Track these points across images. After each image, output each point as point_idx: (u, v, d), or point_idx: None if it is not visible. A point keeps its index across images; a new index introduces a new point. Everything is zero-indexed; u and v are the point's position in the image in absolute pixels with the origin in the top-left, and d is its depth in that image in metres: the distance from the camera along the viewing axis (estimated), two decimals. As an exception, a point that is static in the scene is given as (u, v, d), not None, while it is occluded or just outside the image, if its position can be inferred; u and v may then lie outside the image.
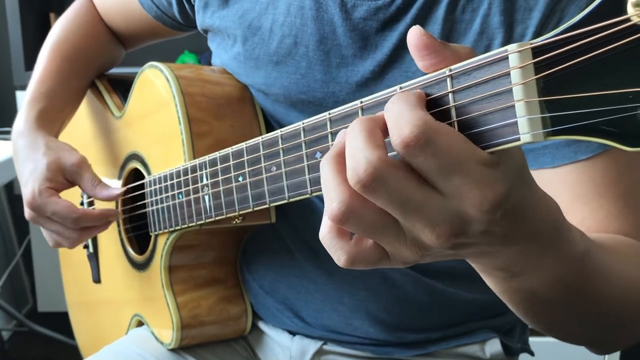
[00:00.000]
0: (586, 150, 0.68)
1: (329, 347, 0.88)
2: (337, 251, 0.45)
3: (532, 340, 0.96)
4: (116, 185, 1.01)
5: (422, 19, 0.72)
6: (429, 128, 0.39)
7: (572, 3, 0.67)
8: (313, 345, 0.88)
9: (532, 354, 0.94)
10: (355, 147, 0.42)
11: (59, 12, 2.24)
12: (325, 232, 0.46)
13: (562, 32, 0.36)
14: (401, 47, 0.73)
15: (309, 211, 0.83)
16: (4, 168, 1.53)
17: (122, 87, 1.07)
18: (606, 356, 1.61)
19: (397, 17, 0.73)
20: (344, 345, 0.87)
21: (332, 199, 0.43)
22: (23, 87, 2.03)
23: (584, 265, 0.54)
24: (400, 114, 0.41)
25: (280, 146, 0.60)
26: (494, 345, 0.86)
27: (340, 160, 0.43)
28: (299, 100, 0.79)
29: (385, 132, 0.42)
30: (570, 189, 0.69)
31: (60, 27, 1.06)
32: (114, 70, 1.13)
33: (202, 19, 0.88)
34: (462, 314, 0.85)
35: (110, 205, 1.00)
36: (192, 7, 0.90)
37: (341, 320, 0.85)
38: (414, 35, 0.43)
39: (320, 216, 0.81)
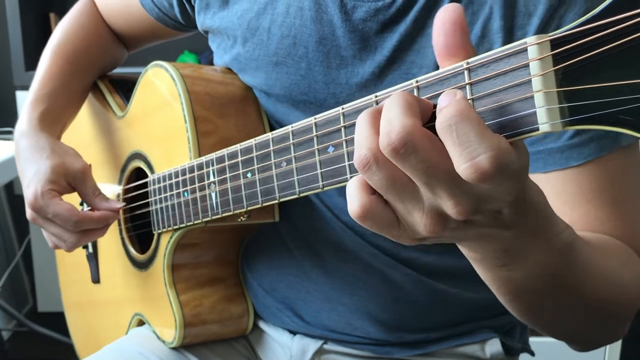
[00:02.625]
0: (577, 158, 0.69)
1: (329, 346, 0.88)
2: (354, 200, 0.47)
3: (532, 340, 0.96)
4: (116, 185, 1.02)
5: (422, 21, 0.72)
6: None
7: (571, 10, 0.68)
8: (313, 345, 0.88)
9: (532, 354, 0.94)
10: (392, 113, 0.43)
11: (59, 12, 2.26)
12: (353, 181, 0.47)
13: (580, 24, 0.37)
14: (401, 49, 0.73)
15: (309, 211, 0.84)
16: (4, 168, 1.53)
17: (124, 87, 1.08)
18: (606, 356, 1.63)
19: (397, 18, 0.73)
20: (344, 345, 0.87)
21: (361, 147, 0.44)
22: (23, 87, 2.04)
23: (568, 255, 0.56)
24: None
25: (291, 141, 0.60)
26: (494, 345, 0.86)
27: (378, 116, 0.45)
28: (301, 100, 0.79)
29: (423, 110, 0.44)
30: (559, 195, 0.70)
31: (62, 29, 1.06)
32: (115, 71, 1.13)
33: (202, 20, 0.88)
34: (462, 314, 0.86)
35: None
36: (192, 8, 0.90)
37: (341, 320, 0.86)
38: (452, 11, 0.43)
39: (320, 216, 0.82)
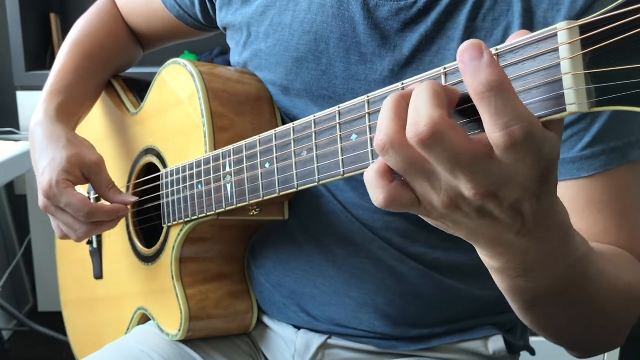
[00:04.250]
0: (588, 169, 0.72)
1: (333, 341, 0.89)
2: (377, 189, 0.49)
3: (533, 339, 0.98)
4: (126, 180, 1.03)
5: (443, 23, 0.75)
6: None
7: None
8: (317, 339, 0.89)
9: (532, 352, 0.96)
10: (419, 102, 0.45)
11: (60, 12, 2.27)
12: (371, 172, 0.49)
13: (608, 11, 0.40)
14: (420, 49, 0.76)
15: (320, 205, 0.85)
16: (4, 168, 1.53)
17: (138, 87, 1.10)
18: (605, 355, 1.64)
19: (418, 19, 0.76)
20: (349, 339, 0.88)
21: (381, 129, 0.47)
22: (23, 88, 2.05)
23: (583, 268, 0.58)
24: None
25: (313, 130, 0.62)
26: (497, 342, 0.87)
27: (403, 102, 0.47)
28: (321, 95, 0.81)
29: (449, 98, 0.45)
30: (569, 204, 0.72)
31: (82, 25, 1.08)
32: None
33: (224, 16, 0.90)
34: (468, 310, 0.87)
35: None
36: (213, 6, 0.93)
37: (348, 314, 0.87)
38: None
39: (330, 210, 0.84)
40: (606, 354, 1.68)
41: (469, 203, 0.47)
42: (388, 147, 0.46)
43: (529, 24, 0.72)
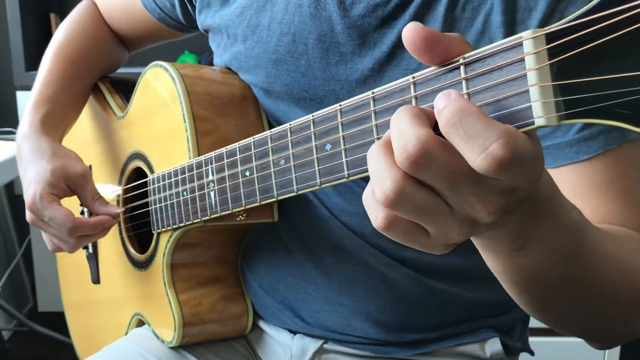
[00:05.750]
0: (587, 151, 0.69)
1: (329, 346, 0.88)
2: (376, 210, 0.45)
3: (532, 340, 0.96)
4: (116, 185, 1.02)
5: (421, 17, 0.72)
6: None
7: (572, 5, 0.68)
8: (313, 344, 0.88)
9: (532, 353, 0.94)
10: (402, 126, 0.42)
11: (60, 12, 2.26)
12: (368, 193, 0.46)
13: (576, 18, 0.37)
14: (400, 44, 0.73)
15: (308, 211, 0.84)
16: (4, 168, 1.53)
17: (124, 88, 1.08)
18: (606, 355, 1.62)
19: (396, 14, 0.73)
20: (344, 345, 0.87)
21: (384, 180, 0.43)
22: (23, 88, 2.04)
23: (578, 235, 0.55)
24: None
25: (289, 138, 0.61)
26: (494, 345, 0.86)
27: (390, 146, 0.43)
28: (302, 97, 0.79)
29: (429, 119, 0.43)
30: (571, 188, 0.69)
31: (64, 30, 1.07)
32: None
33: (203, 19, 0.89)
34: (462, 314, 0.85)
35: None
36: (194, 8, 0.91)
37: (341, 321, 0.85)
38: (411, 31, 0.43)
39: (319, 216, 0.82)
40: (606, 354, 1.66)
41: (485, 223, 0.44)
42: (401, 195, 0.42)
43: (511, 9, 0.69)
